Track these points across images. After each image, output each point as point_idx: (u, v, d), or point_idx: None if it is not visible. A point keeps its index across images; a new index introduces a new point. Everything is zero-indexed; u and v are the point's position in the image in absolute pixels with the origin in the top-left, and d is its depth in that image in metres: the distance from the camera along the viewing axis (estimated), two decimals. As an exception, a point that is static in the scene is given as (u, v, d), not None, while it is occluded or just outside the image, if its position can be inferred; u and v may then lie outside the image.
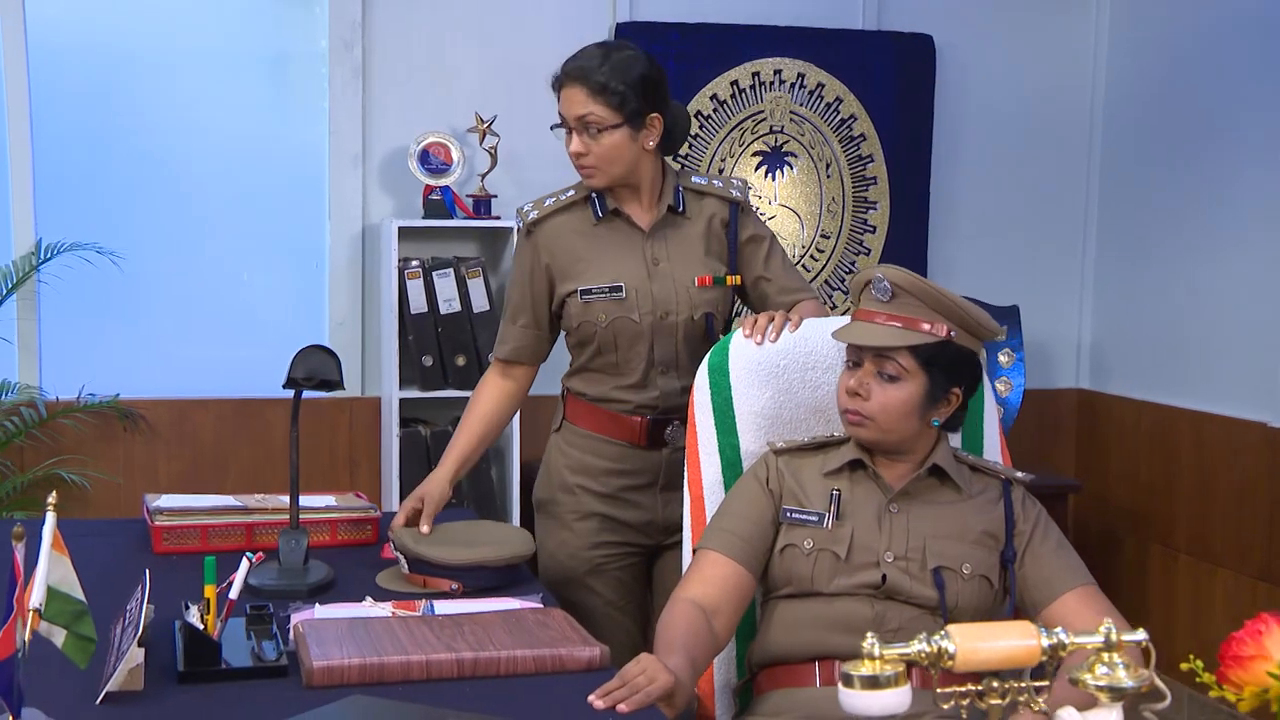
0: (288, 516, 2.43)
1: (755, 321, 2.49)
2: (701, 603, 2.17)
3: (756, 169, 4.42)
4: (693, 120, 4.32)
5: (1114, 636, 1.21)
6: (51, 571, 1.70)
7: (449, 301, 3.99)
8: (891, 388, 2.18)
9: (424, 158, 4.09)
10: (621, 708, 1.84)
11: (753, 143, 4.41)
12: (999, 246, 4.71)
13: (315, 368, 2.43)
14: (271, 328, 4.26)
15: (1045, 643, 1.21)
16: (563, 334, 2.77)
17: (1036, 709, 1.26)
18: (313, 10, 4.20)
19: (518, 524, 4.05)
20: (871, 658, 1.19)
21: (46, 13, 4.04)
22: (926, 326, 2.17)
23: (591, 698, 1.86)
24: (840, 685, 1.20)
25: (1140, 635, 1.22)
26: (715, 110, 4.36)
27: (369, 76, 4.20)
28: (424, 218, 4.09)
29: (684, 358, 2.64)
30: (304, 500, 2.66)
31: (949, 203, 4.64)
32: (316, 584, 2.36)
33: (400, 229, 3.99)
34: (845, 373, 2.25)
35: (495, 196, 4.14)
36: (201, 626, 1.95)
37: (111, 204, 4.13)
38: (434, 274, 3.99)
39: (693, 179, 2.72)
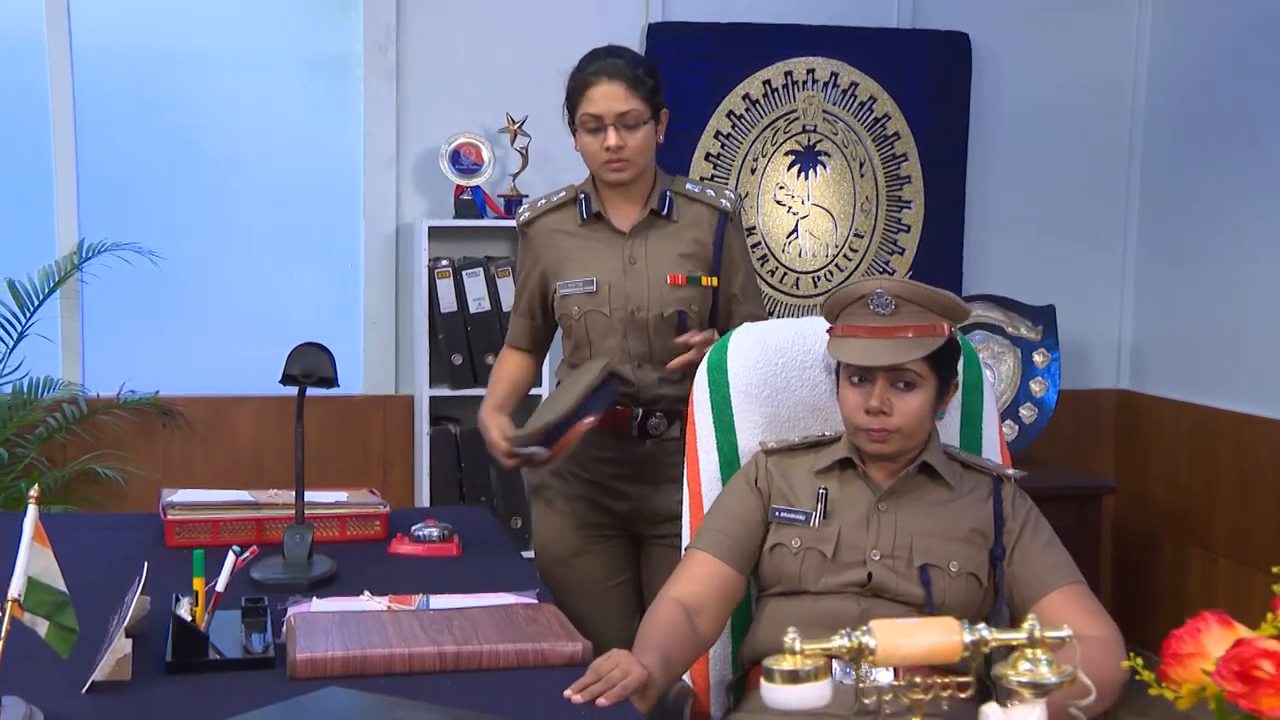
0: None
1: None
2: (686, 601, 2.18)
3: (789, 168, 4.41)
4: (724, 120, 4.33)
5: (1037, 633, 1.20)
6: (33, 563, 1.74)
7: (479, 300, 4.03)
8: (910, 396, 2.17)
9: (455, 158, 4.13)
10: (601, 701, 1.86)
11: (785, 142, 4.40)
12: (1035, 246, 4.66)
13: (310, 365, 2.47)
14: (308, 326, 4.30)
15: (967, 639, 1.21)
16: None
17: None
18: (349, 13, 4.25)
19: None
20: (792, 653, 1.20)
21: (91, 16, 4.12)
22: (933, 330, 2.16)
23: (568, 692, 1.88)
24: (762, 680, 1.21)
25: (1064, 633, 1.21)
26: (748, 110, 4.35)
27: (402, 78, 4.25)
28: (455, 218, 4.13)
29: (658, 352, 2.70)
30: (314, 496, 2.72)
31: (985, 202, 4.60)
32: (318, 578, 2.39)
33: (431, 229, 4.04)
34: (851, 390, 2.20)
35: (526, 196, 4.16)
36: (190, 619, 1.99)
37: (153, 204, 4.21)
38: (464, 273, 4.02)
39: (686, 185, 2.80)
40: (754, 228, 4.39)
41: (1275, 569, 1.35)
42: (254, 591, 2.29)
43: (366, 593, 2.29)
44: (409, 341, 4.24)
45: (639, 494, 2.77)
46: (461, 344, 4.04)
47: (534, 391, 3.05)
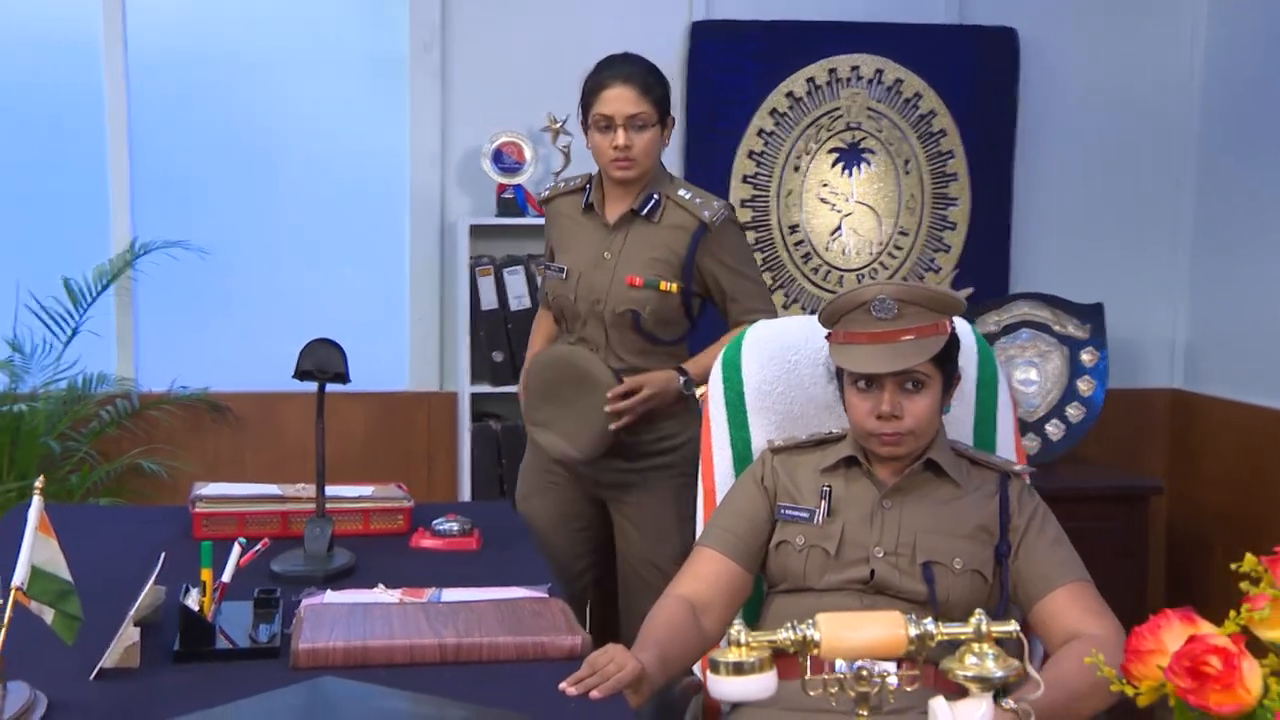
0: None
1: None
2: (692, 599, 2.19)
3: (833, 166, 4.39)
4: (767, 117, 4.32)
5: (984, 627, 1.20)
6: (37, 552, 1.79)
7: (519, 298, 4.06)
8: (919, 397, 2.17)
9: (497, 157, 4.16)
10: (594, 694, 1.87)
11: (829, 140, 4.38)
12: (1084, 243, 4.59)
13: (322, 360, 2.51)
14: (356, 324, 4.37)
15: (912, 632, 1.21)
16: None
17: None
18: (396, 13, 4.30)
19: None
20: (737, 644, 1.20)
21: (145, 19, 4.21)
22: (934, 328, 2.15)
23: (563, 685, 1.89)
24: (708, 672, 1.22)
25: (1010, 627, 1.21)
26: (791, 108, 4.34)
27: (447, 77, 4.29)
28: (497, 216, 4.17)
29: (613, 343, 2.95)
30: (340, 490, 2.76)
31: (1033, 199, 4.54)
32: (335, 571, 2.43)
33: (474, 227, 4.08)
34: (859, 396, 2.19)
35: (567, 195, 4.19)
36: (198, 609, 2.04)
37: (204, 202, 4.28)
38: (504, 271, 4.06)
39: (679, 191, 2.98)
40: (797, 225, 4.38)
41: (1235, 565, 1.33)
42: (272, 583, 2.33)
43: (381, 585, 2.33)
44: (452, 338, 4.29)
45: (594, 465, 3.00)
46: (502, 341, 4.08)
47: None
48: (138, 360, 4.26)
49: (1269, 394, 4.23)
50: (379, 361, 4.32)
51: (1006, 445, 2.42)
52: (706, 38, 4.29)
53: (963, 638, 1.21)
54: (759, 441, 2.42)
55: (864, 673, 1.23)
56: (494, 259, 4.09)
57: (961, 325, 2.38)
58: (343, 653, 1.98)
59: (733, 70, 4.29)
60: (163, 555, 2.17)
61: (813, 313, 2.58)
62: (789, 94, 4.34)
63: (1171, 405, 4.68)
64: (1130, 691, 1.31)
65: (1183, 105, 4.60)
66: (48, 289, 4.12)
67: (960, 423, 2.38)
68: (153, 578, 2.07)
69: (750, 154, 4.33)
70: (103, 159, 4.21)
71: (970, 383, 2.40)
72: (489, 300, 4.07)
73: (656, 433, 2.97)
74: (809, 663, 1.29)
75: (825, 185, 4.39)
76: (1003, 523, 2.17)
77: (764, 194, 4.35)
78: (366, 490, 2.82)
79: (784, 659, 2.19)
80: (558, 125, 4.19)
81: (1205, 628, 1.30)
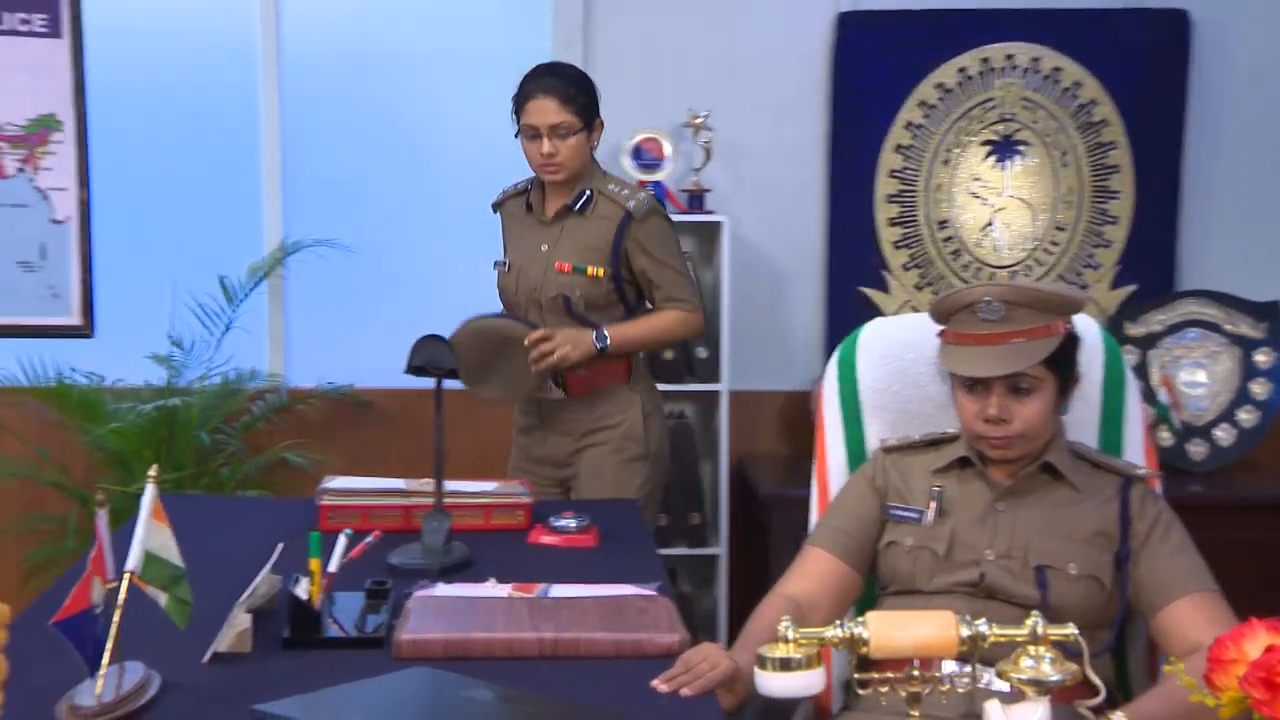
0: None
1: None
2: (799, 598, 2.20)
3: (985, 159, 4.33)
4: (916, 110, 4.28)
5: (1040, 630, 1.19)
6: (151, 539, 1.90)
7: (654, 295, 4.10)
8: (1030, 400, 2.14)
9: (637, 153, 4.22)
10: (685, 692, 1.90)
11: (981, 131, 4.32)
12: (1260, 238, 4.42)
13: (432, 356, 2.58)
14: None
15: (964, 633, 1.20)
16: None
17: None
18: (539, 10, 4.39)
19: (726, 526, 4.15)
20: (785, 640, 1.22)
21: (299, 23, 4.39)
22: (1046, 330, 2.12)
23: (655, 682, 1.92)
24: (755, 668, 1.23)
25: (1068, 630, 1.20)
26: (941, 99, 4.29)
27: (591, 73, 4.34)
28: (638, 213, 4.21)
29: (550, 326, 3.22)
30: (460, 485, 2.84)
31: (1203, 191, 4.39)
32: (450, 564, 2.50)
33: (613, 224, 4.14)
34: (967, 397, 2.19)
35: (709, 191, 4.22)
36: (306, 598, 2.13)
37: (353, 201, 4.45)
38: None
39: (609, 185, 3.28)
40: (946, 221, 4.33)
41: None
42: (388, 575, 2.42)
43: (492, 580, 2.39)
44: (592, 336, 4.34)
45: (542, 439, 3.38)
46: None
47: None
48: (287, 356, 4.44)
49: None
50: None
51: (1135, 447, 2.37)
52: (853, 28, 4.27)
53: (1018, 640, 1.20)
54: (873, 440, 2.41)
55: (915, 673, 1.23)
56: (633, 256, 4.14)
57: (1085, 323, 2.34)
58: (442, 644, 2.05)
59: (880, 62, 4.27)
60: (280, 545, 2.27)
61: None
62: (939, 85, 4.29)
63: (1356, 410, 4.47)
64: (1211, 702, 1.28)
65: (1370, 89, 4.40)
66: (205, 286, 4.32)
67: (1085, 424, 2.34)
68: (268, 566, 2.17)
69: (898, 148, 4.30)
70: (256, 158, 4.41)
71: (1095, 383, 2.36)
72: (629, 297, 4.12)
73: (595, 412, 3.29)
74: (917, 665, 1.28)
75: (977, 179, 4.33)
76: (1123, 528, 2.13)
77: (911, 189, 4.31)
78: (489, 486, 2.89)
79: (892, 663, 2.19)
80: (700, 120, 4.22)
81: (1287, 638, 1.27)
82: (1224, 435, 4.20)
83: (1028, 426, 2.13)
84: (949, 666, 1.85)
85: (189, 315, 4.32)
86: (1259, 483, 4.12)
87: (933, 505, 2.19)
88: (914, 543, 2.18)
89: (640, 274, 3.26)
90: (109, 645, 1.76)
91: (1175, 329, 4.25)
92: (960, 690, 1.24)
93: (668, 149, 4.22)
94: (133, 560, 1.87)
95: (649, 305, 3.32)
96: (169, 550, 1.93)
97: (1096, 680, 1.19)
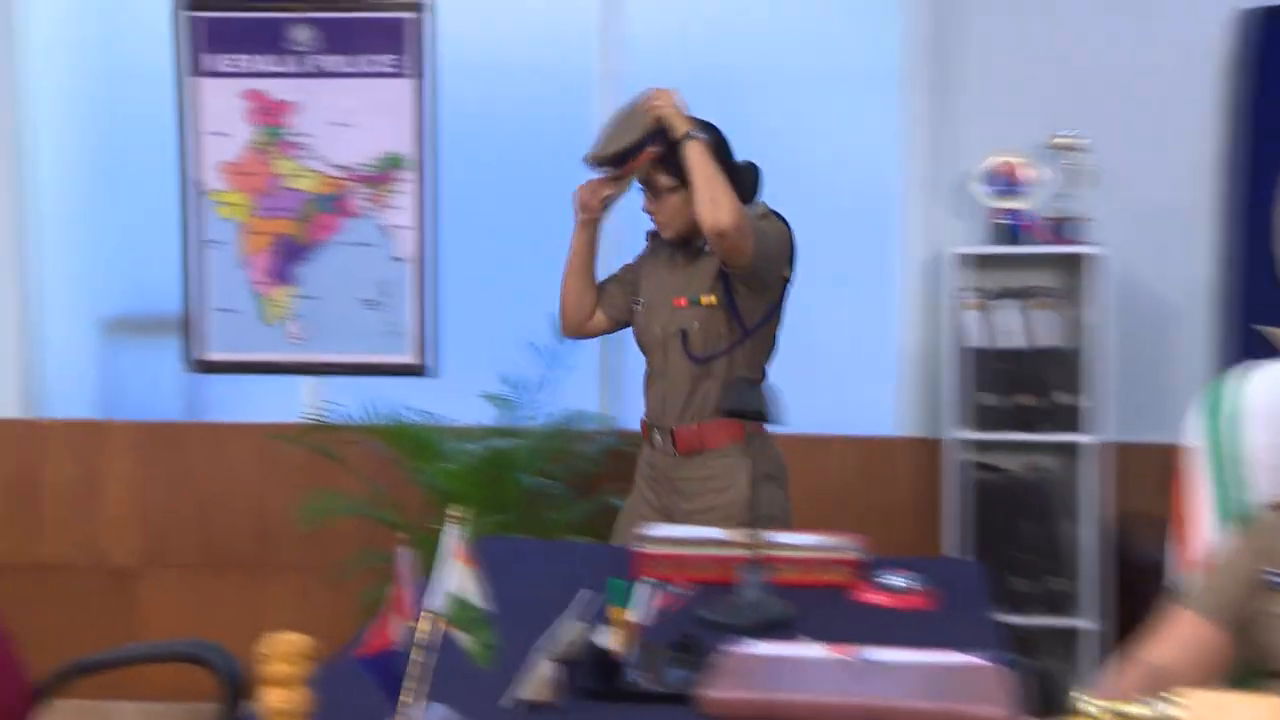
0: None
1: None
2: (1160, 666, 2.05)
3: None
4: None
5: None
6: (454, 580, 1.96)
7: (1007, 335, 3.97)
8: None
9: (994, 179, 4.09)
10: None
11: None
12: None
13: (744, 399, 2.58)
14: (840, 360, 4.43)
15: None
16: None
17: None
18: (884, 25, 4.34)
19: (1097, 594, 3.95)
20: (1077, 715, 1.12)
21: (639, 52, 4.50)
22: None
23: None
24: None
25: None
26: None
27: (943, 92, 4.27)
28: (992, 243, 4.09)
29: (673, 368, 3.40)
30: (784, 538, 2.81)
31: None
32: (764, 620, 2.47)
33: (965, 256, 4.03)
34: None
35: (1080, 220, 4.05)
36: (611, 647, 2.14)
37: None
38: (993, 304, 3.98)
39: None
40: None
41: None
42: (700, 628, 2.41)
43: (808, 638, 2.34)
44: (938, 379, 4.23)
45: (656, 496, 3.46)
46: (989, 382, 3.99)
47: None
48: (618, 397, 4.53)
49: None
50: (861, 402, 4.36)
51: None
52: (1262, 27, 4.02)
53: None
54: (1259, 498, 2.24)
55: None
56: (983, 291, 4.02)
57: None
58: (749, 705, 2.01)
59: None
60: (588, 592, 2.30)
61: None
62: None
63: None
64: None
65: None
66: (543, 325, 4.44)
67: None
68: (571, 612, 2.20)
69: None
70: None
71: None
72: (979, 338, 4.00)
73: (703, 471, 3.32)
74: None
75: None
76: None
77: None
78: (813, 539, 2.85)
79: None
80: (1069, 141, 4.04)
81: None
82: None
83: None
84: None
85: (524, 355, 4.46)
86: None
87: (1318, 575, 2.00)
88: (1294, 617, 2.00)
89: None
90: (408, 684, 1.82)
91: None
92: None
93: (1028, 174, 4.07)
94: (436, 600, 1.93)
95: (746, 330, 3.33)
96: (471, 592, 1.98)
97: None
